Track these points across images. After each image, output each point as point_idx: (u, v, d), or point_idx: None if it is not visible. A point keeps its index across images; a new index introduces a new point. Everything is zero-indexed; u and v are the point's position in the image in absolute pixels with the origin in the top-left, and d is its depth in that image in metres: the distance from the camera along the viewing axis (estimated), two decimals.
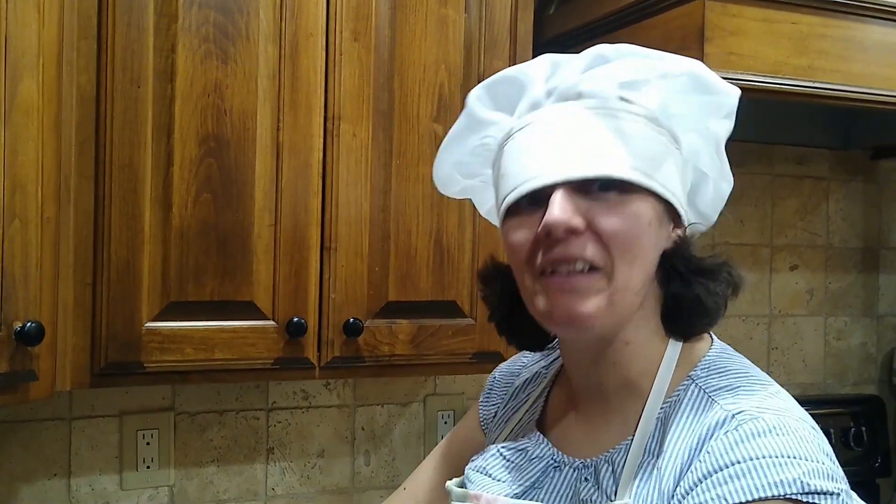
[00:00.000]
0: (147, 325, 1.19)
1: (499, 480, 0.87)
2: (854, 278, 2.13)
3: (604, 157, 0.75)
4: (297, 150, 1.26)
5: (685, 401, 0.78)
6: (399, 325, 1.34)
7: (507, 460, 0.88)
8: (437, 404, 1.75)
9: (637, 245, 0.76)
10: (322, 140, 1.28)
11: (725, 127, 0.81)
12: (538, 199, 0.76)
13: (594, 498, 0.79)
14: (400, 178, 1.33)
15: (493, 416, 1.03)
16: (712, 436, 0.72)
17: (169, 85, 1.19)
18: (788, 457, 0.68)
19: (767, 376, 0.81)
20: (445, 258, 1.36)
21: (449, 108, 1.34)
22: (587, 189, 0.75)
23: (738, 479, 0.68)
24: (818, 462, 0.69)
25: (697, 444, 0.73)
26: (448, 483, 0.92)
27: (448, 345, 1.37)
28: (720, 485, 0.68)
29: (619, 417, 0.82)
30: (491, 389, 1.07)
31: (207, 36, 1.21)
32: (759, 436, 0.70)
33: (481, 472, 0.89)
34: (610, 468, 0.79)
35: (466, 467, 0.93)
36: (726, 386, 0.77)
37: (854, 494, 0.74)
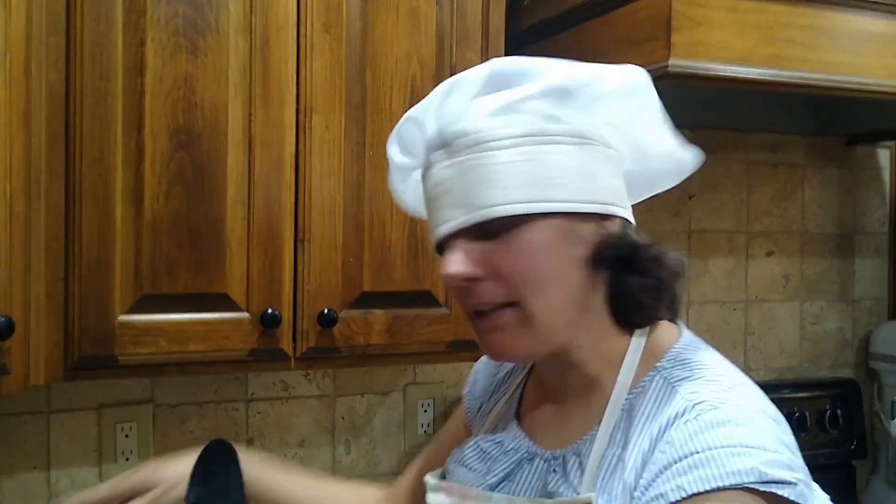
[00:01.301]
0: (120, 318, 1.19)
1: (474, 471, 0.88)
2: (830, 264, 2.15)
3: (483, 198, 0.76)
4: (269, 143, 1.27)
5: (650, 391, 0.79)
6: (374, 316, 1.34)
7: (484, 452, 0.90)
8: (417, 393, 1.76)
9: (540, 274, 0.77)
10: (294, 132, 1.28)
11: (649, 105, 0.82)
12: (445, 246, 0.80)
13: (561, 490, 0.80)
14: (373, 170, 1.33)
15: (478, 409, 1.03)
16: (672, 425, 0.73)
17: (139, 79, 1.19)
18: (746, 447, 0.69)
19: (734, 367, 0.81)
20: (420, 248, 1.37)
21: (421, 100, 1.34)
22: (483, 231, 0.77)
23: (697, 469, 0.69)
24: (776, 452, 0.70)
25: (658, 433, 0.74)
26: (426, 475, 0.93)
27: (424, 334, 1.38)
28: (679, 475, 0.69)
29: (586, 409, 0.83)
30: (475, 381, 1.07)
31: (177, 29, 1.20)
32: (718, 426, 0.71)
33: (459, 464, 0.91)
34: (577, 460, 0.80)
35: (447, 459, 0.95)
36: (689, 376, 0.78)
37: (814, 484, 0.75)
